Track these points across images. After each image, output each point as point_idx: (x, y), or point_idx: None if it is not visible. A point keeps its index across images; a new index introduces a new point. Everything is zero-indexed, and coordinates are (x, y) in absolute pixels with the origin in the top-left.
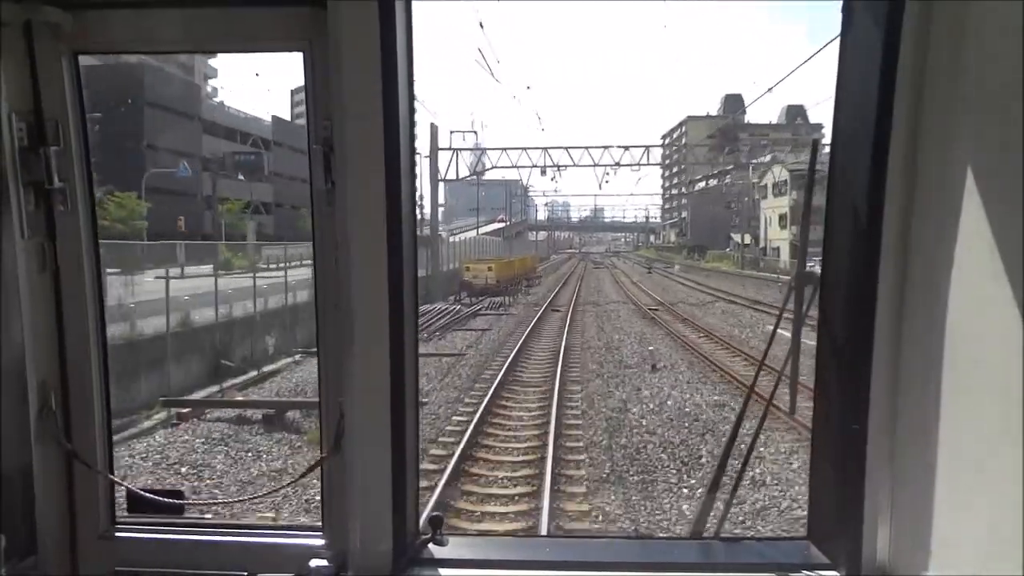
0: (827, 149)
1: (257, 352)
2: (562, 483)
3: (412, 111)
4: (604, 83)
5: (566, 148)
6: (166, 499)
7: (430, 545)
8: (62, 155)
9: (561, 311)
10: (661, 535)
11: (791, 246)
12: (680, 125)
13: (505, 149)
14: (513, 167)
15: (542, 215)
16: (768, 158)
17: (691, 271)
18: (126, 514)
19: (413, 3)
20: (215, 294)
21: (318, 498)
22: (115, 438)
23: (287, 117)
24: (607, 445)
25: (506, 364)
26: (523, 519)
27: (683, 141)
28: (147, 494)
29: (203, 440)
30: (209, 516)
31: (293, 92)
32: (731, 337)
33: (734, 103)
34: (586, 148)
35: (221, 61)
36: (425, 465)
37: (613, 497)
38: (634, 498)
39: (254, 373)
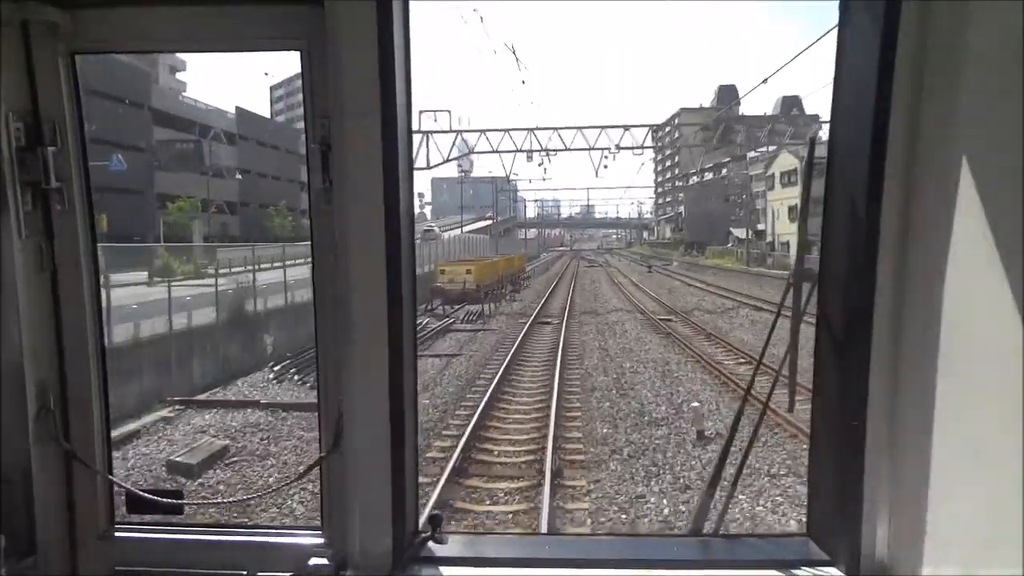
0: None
1: (125, 395)
2: None
3: (410, 110)
4: (598, 63)
5: (555, 129)
6: (166, 499)
7: (430, 543)
8: (59, 155)
9: (552, 323)
10: (661, 533)
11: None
12: (673, 117)
13: (484, 131)
14: (495, 152)
15: (532, 212)
16: (772, 148)
17: (693, 269)
18: (126, 514)
19: (411, 1)
20: (130, 308)
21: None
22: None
23: (266, 114)
24: None
25: (470, 426)
26: None
27: (676, 135)
28: (146, 494)
29: None
30: (209, 515)
31: (273, 88)
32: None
33: (728, 94)
34: (579, 129)
35: (195, 56)
36: None
37: None
38: None
39: None
